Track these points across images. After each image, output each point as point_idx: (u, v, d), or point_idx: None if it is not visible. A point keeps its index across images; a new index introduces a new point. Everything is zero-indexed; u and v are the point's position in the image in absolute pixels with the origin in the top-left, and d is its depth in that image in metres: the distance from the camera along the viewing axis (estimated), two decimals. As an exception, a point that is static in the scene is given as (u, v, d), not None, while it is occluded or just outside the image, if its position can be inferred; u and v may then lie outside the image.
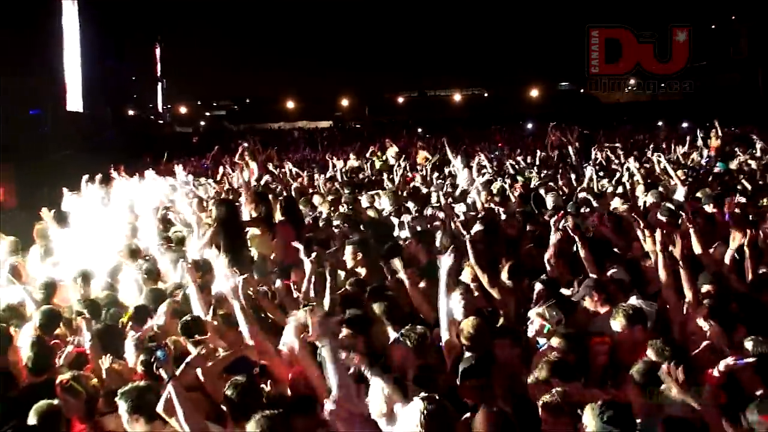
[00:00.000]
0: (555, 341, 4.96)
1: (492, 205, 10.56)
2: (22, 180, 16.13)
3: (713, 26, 40.98)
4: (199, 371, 4.82)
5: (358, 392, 4.13)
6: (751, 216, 8.54)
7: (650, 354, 4.55)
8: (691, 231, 6.67)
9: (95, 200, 11.46)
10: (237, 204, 9.16)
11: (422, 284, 6.32)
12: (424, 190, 13.04)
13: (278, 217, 8.75)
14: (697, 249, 6.68)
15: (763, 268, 6.39)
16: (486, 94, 54.92)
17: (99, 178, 12.56)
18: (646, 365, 4.30)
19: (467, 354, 4.84)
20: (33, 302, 6.73)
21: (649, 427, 3.89)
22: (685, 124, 27.72)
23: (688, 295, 5.42)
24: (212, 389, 4.90)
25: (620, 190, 11.57)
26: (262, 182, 13.92)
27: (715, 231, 7.90)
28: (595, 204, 10.22)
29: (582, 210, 9.88)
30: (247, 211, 8.81)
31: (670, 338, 4.87)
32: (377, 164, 18.34)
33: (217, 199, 10.31)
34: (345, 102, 54.58)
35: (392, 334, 5.40)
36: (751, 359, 4.24)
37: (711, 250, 6.96)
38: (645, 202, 10.17)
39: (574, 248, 7.09)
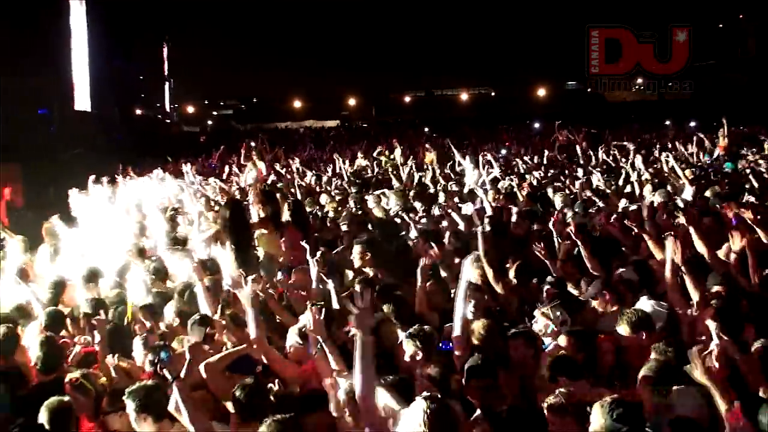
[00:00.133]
0: (563, 340, 4.95)
1: (500, 204, 10.56)
2: (29, 179, 16.19)
3: (720, 25, 40.87)
4: (201, 368, 4.81)
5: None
6: (760, 216, 8.48)
7: (654, 357, 4.55)
8: (693, 233, 6.64)
9: (103, 199, 11.51)
10: (245, 203, 9.18)
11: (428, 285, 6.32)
12: (431, 190, 13.05)
13: (285, 218, 8.75)
14: (701, 250, 6.66)
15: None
16: (493, 94, 54.81)
17: (106, 178, 12.64)
18: (657, 363, 4.29)
19: (474, 354, 4.83)
20: (38, 303, 6.74)
21: (658, 426, 3.88)
22: (692, 124, 27.65)
23: (695, 296, 5.40)
24: (214, 386, 4.89)
25: (628, 189, 11.55)
26: (269, 181, 13.94)
27: (724, 231, 7.87)
28: (600, 204, 10.21)
29: (589, 209, 9.88)
30: (254, 211, 8.81)
31: (675, 340, 4.86)
32: (384, 163, 18.35)
33: (225, 199, 10.34)
34: (352, 101, 54.54)
35: (400, 334, 5.39)
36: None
37: (720, 251, 6.93)
38: (653, 202, 10.14)
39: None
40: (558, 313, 5.27)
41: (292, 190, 12.59)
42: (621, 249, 7.53)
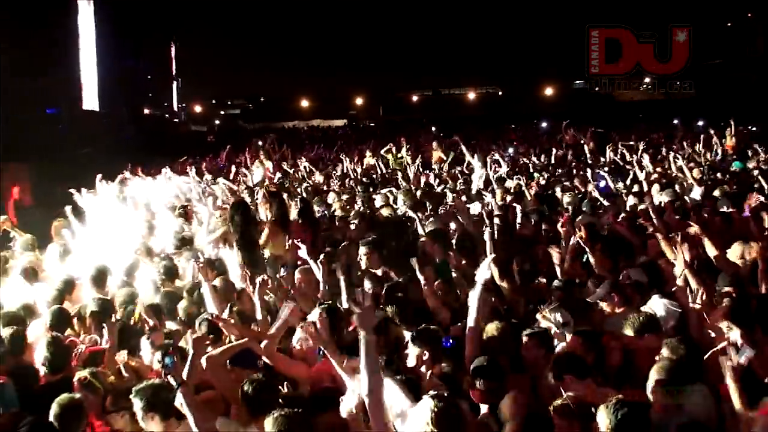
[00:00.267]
0: (572, 340, 4.94)
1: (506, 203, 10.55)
2: (38, 178, 16.25)
3: (729, 24, 40.71)
4: (203, 361, 4.79)
5: None
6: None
7: (665, 352, 4.53)
8: (704, 237, 6.63)
9: (111, 198, 11.54)
10: (252, 202, 9.20)
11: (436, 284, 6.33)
12: (439, 189, 13.04)
13: (293, 216, 8.76)
14: (711, 251, 6.65)
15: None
16: (500, 93, 54.74)
17: (117, 177, 12.69)
18: (670, 363, 4.29)
19: (482, 356, 4.82)
20: (43, 302, 6.76)
21: (665, 427, 3.88)
22: (700, 123, 27.55)
23: (701, 295, 5.39)
24: (216, 380, 4.90)
25: (635, 188, 11.53)
26: (276, 180, 13.96)
27: (732, 230, 7.86)
28: (606, 204, 10.19)
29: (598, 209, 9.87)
30: (262, 210, 8.83)
31: (686, 337, 4.84)
32: (391, 162, 18.33)
33: (232, 199, 10.37)
34: (359, 101, 54.55)
35: (406, 335, 5.39)
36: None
37: (732, 250, 6.90)
38: (661, 202, 10.12)
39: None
40: (558, 315, 5.25)
41: (299, 189, 12.61)
42: (629, 248, 7.50)
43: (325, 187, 13.87)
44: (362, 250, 7.46)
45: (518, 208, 9.79)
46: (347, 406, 4.34)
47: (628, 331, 5.12)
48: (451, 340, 5.06)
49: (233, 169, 17.47)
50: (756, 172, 12.60)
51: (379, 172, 16.40)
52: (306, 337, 5.34)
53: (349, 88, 53.33)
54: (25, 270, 7.41)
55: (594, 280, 6.59)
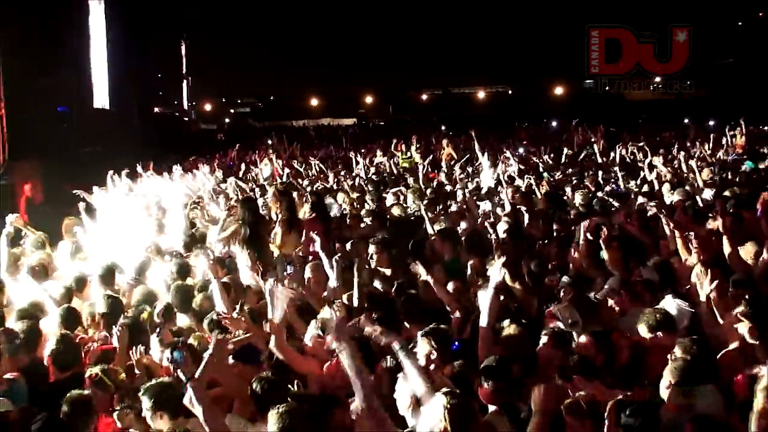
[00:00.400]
0: (584, 340, 4.93)
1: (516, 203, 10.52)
2: (48, 176, 16.30)
3: (740, 23, 40.55)
4: (205, 356, 4.79)
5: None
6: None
7: (677, 352, 4.52)
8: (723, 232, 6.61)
9: (122, 196, 11.58)
10: (263, 203, 9.22)
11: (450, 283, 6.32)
12: (448, 188, 13.03)
13: (307, 213, 8.76)
14: (727, 249, 6.62)
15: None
16: (510, 92, 54.67)
17: (125, 173, 12.72)
18: (684, 362, 4.28)
19: (491, 356, 4.81)
20: (51, 300, 6.79)
21: (678, 426, 3.87)
22: (711, 123, 27.45)
23: (713, 295, 5.36)
24: (218, 375, 4.88)
25: (645, 188, 11.49)
26: (284, 179, 13.98)
27: (743, 230, 7.81)
28: (617, 205, 10.14)
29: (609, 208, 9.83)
30: (272, 209, 8.84)
31: (699, 337, 4.82)
32: (401, 161, 18.35)
33: (242, 197, 10.39)
34: (369, 99, 54.58)
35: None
36: None
37: (744, 249, 6.86)
38: (672, 201, 10.08)
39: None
40: (567, 314, 5.23)
41: (308, 187, 12.62)
42: (640, 248, 7.47)
43: (335, 186, 13.88)
44: (372, 248, 7.46)
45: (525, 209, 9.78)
46: (356, 405, 4.34)
47: (642, 327, 5.09)
48: (457, 343, 5.04)
49: (243, 167, 17.52)
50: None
51: (389, 170, 16.40)
52: (318, 334, 5.33)
53: (358, 87, 53.40)
54: (32, 269, 7.43)
55: (602, 278, 6.57)
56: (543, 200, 10.92)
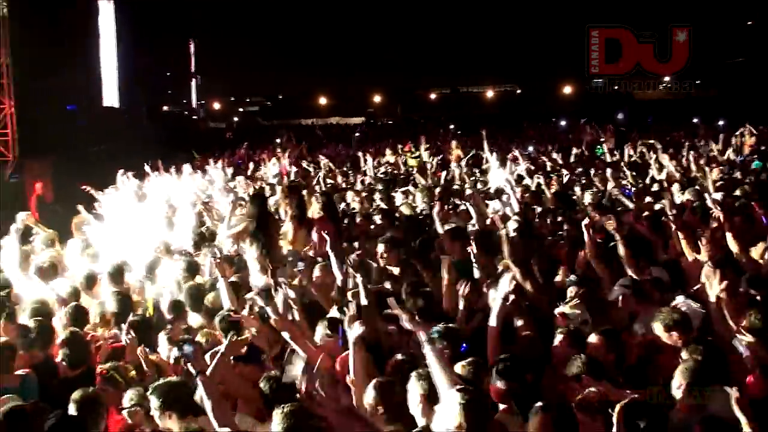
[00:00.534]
0: (594, 339, 4.92)
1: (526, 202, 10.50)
2: (58, 174, 16.38)
3: (750, 22, 40.38)
4: (218, 353, 4.76)
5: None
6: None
7: (685, 355, 4.51)
8: (729, 236, 6.58)
9: (131, 195, 11.61)
10: (271, 198, 9.21)
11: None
12: (456, 187, 13.00)
13: (317, 212, 8.74)
14: (734, 247, 6.59)
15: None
16: (518, 91, 54.59)
17: (134, 173, 12.76)
18: (695, 364, 4.27)
19: (503, 355, 4.80)
20: (59, 298, 6.81)
21: (689, 427, 3.86)
22: (720, 122, 27.32)
23: (724, 295, 5.34)
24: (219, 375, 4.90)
25: (655, 188, 11.44)
26: (293, 177, 13.97)
27: (754, 230, 7.78)
28: (630, 205, 10.10)
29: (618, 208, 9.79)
30: (282, 206, 8.84)
31: (708, 340, 4.80)
32: (410, 161, 18.32)
33: (251, 194, 10.39)
34: (377, 99, 54.59)
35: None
36: None
37: (757, 251, 6.84)
38: (681, 201, 10.04)
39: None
40: (576, 312, 5.21)
41: (317, 186, 12.60)
42: (649, 248, 7.44)
43: (344, 185, 13.86)
44: (380, 247, 7.43)
45: (537, 209, 9.75)
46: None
47: (658, 326, 5.07)
48: (465, 344, 5.03)
49: (251, 165, 17.53)
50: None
51: (395, 170, 16.39)
52: (329, 332, 5.32)
53: (367, 86, 53.41)
54: (40, 268, 7.44)
55: (612, 277, 6.54)
56: (552, 199, 10.89)
